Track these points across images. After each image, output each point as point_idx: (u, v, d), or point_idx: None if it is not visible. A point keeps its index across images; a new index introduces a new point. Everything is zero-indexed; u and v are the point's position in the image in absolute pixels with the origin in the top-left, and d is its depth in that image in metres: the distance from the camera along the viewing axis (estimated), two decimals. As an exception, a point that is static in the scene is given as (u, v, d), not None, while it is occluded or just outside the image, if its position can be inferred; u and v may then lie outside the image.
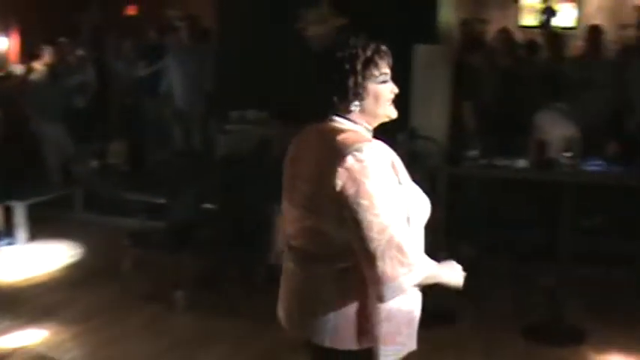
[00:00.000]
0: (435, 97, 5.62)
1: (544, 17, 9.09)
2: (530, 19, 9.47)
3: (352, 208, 2.30)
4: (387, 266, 2.29)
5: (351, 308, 2.42)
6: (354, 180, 2.30)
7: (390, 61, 2.48)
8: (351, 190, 2.30)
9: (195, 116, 8.31)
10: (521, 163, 5.40)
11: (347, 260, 2.38)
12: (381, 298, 2.33)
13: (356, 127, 2.46)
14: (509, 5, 9.45)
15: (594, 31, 7.08)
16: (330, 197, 2.33)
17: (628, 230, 5.96)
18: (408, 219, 2.40)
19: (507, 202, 6.27)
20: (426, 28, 6.95)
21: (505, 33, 7.53)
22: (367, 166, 2.30)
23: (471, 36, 7.70)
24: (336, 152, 2.34)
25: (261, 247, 5.52)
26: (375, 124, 2.52)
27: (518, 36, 8.09)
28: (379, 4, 7.14)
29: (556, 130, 5.68)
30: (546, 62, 7.08)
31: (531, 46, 7.44)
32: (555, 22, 9.04)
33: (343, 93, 2.43)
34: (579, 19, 9.18)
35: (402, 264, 2.30)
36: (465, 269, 2.55)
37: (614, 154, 5.50)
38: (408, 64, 5.98)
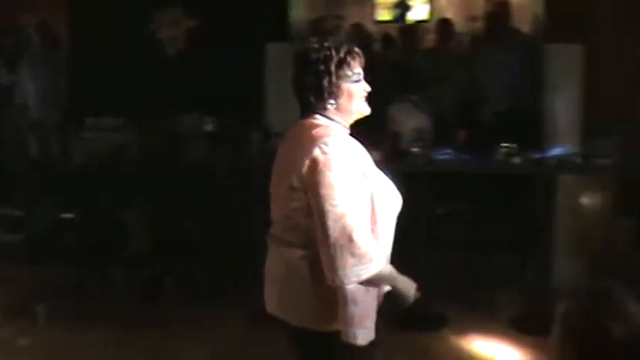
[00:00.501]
0: (290, 94, 5.79)
1: (398, 12, 9.43)
2: (385, 15, 9.79)
3: (314, 197, 2.53)
4: (337, 254, 2.49)
5: (323, 292, 2.59)
6: (318, 171, 2.52)
7: (362, 61, 2.71)
8: (314, 180, 2.53)
9: (50, 125, 8.15)
10: (375, 155, 5.61)
11: (308, 245, 2.60)
12: (332, 284, 2.53)
13: (331, 123, 2.68)
14: (364, 1, 9.73)
15: (444, 24, 7.42)
16: (299, 187, 2.57)
17: (482, 216, 6.30)
18: (374, 212, 2.60)
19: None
20: (278, 26, 7.13)
21: (358, 27, 7.75)
22: (331, 159, 2.53)
23: (324, 32, 7.91)
24: (305, 145, 2.58)
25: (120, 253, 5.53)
26: (351, 120, 2.75)
27: (374, 31, 8.36)
28: (232, 5, 7.26)
29: (409, 122, 5.96)
30: (399, 55, 7.37)
31: (385, 40, 7.71)
32: (409, 16, 9.40)
33: (319, 92, 2.65)
34: (432, 13, 9.56)
35: (352, 254, 2.50)
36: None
37: (463, 142, 5.81)
38: (261, 63, 6.21)
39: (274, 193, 2.76)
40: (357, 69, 2.70)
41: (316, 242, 2.56)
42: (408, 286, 2.76)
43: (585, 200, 6.12)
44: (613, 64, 6.50)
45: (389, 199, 2.72)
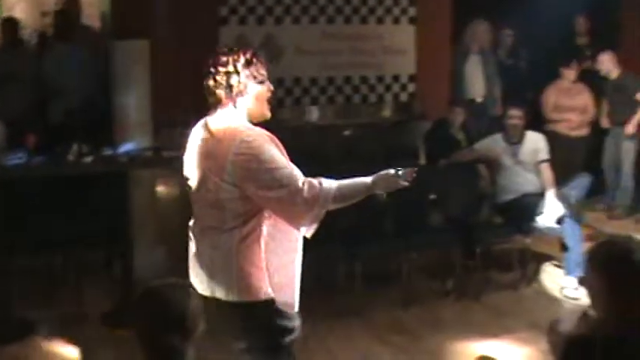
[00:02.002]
0: None
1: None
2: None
3: (258, 178, 2.99)
4: (304, 195, 3.00)
5: (252, 265, 3.06)
6: (251, 159, 2.99)
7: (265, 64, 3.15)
8: (252, 166, 2.98)
9: None
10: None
11: (241, 227, 3.05)
12: (313, 223, 3.14)
13: (239, 120, 3.09)
14: None
15: (9, 23, 7.42)
16: (227, 179, 3.00)
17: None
18: None
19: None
20: None
21: None
22: (257, 145, 3.00)
23: None
24: (228, 142, 3.01)
25: None
26: (256, 119, 3.16)
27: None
28: None
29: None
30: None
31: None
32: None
33: (228, 91, 3.06)
34: (1, 9, 9.34)
35: (313, 186, 3.02)
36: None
37: (34, 144, 5.90)
38: None
39: (193, 188, 3.18)
40: (262, 70, 3.14)
41: (240, 222, 3.04)
42: (389, 183, 3.22)
43: (161, 191, 6.63)
44: (176, 56, 7.10)
45: None
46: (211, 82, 3.11)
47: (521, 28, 9.00)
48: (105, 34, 7.23)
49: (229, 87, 3.09)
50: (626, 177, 8.24)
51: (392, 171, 3.22)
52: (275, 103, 7.47)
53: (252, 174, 3.01)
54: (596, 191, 8.17)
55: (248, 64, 3.11)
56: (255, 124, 3.16)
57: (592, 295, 2.78)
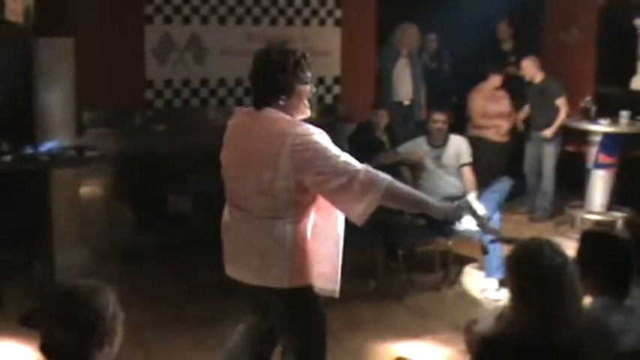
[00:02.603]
0: None
1: None
2: None
3: (317, 167, 3.19)
4: (361, 178, 3.20)
5: (303, 252, 3.32)
6: (308, 148, 3.19)
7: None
8: (310, 155, 3.18)
9: None
10: None
11: (295, 216, 3.28)
12: (363, 214, 3.27)
13: (286, 116, 3.27)
14: None
15: None
16: (283, 169, 3.19)
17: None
18: None
19: None
20: None
21: None
22: (313, 137, 3.20)
23: None
24: (281, 136, 3.21)
25: None
26: (297, 116, 3.33)
27: None
28: None
29: None
30: None
31: None
32: None
33: (274, 89, 3.26)
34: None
35: (369, 172, 3.25)
36: None
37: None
38: None
39: (237, 173, 3.38)
40: (308, 72, 3.34)
41: (287, 212, 3.27)
42: (443, 211, 3.57)
43: (84, 190, 6.62)
44: (101, 55, 7.09)
45: None
46: (259, 80, 3.36)
47: (445, 33, 9.23)
48: (28, 31, 7.15)
49: (277, 85, 3.31)
50: (546, 181, 8.53)
51: (455, 204, 3.71)
52: (199, 103, 7.61)
53: (310, 163, 3.23)
54: (518, 195, 8.46)
55: (296, 64, 3.32)
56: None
57: (508, 296, 2.94)
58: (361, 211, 3.29)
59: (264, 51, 3.38)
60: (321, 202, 3.39)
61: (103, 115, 7.14)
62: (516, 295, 2.88)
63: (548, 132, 8.38)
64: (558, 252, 2.83)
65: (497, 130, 8.57)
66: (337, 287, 3.52)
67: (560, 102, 8.34)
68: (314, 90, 3.49)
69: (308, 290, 3.44)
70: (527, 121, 8.70)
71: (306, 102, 3.42)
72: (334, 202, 3.33)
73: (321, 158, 3.23)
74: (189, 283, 6.15)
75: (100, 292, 2.45)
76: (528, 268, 2.84)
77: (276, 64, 3.30)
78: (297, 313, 3.51)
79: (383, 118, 7.32)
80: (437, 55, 9.23)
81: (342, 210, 3.37)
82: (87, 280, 2.56)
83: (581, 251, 3.25)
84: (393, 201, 3.39)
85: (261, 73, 3.35)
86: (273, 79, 3.31)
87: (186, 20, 7.69)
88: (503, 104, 8.60)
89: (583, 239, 3.33)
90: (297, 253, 3.36)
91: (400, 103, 8.75)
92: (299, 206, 3.33)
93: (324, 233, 3.45)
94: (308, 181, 3.25)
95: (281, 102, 3.33)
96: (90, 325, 2.38)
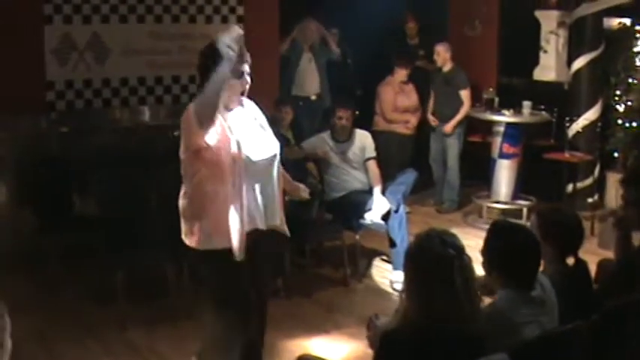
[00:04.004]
0: None
1: None
2: None
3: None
4: None
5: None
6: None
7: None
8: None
9: None
10: None
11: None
12: None
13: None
14: None
15: None
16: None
17: None
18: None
19: None
20: None
21: None
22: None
23: None
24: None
25: None
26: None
27: None
28: None
29: None
30: None
31: None
32: None
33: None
34: None
35: None
36: None
37: None
38: None
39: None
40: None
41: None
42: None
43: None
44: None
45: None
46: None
47: (347, 27, 9.40)
48: None
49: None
50: (451, 172, 8.77)
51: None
52: (101, 103, 7.58)
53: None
54: (426, 187, 8.71)
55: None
56: None
57: (403, 289, 3.07)
58: None
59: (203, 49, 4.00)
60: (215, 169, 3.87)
61: (2, 118, 7.06)
62: (408, 288, 3.01)
63: (448, 127, 8.65)
64: (450, 243, 2.92)
65: (406, 124, 8.78)
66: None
67: (464, 94, 8.59)
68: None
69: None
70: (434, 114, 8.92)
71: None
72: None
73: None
74: (95, 287, 6.14)
75: None
76: (417, 259, 2.97)
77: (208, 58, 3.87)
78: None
79: (287, 115, 7.41)
80: (340, 49, 9.36)
81: None
82: None
83: (488, 244, 3.34)
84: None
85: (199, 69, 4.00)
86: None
87: (87, 20, 7.63)
88: (412, 98, 8.82)
89: (490, 232, 3.39)
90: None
91: (307, 98, 8.88)
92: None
93: (220, 199, 3.88)
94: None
95: None
96: None
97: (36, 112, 7.46)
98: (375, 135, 7.36)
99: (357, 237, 6.72)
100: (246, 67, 3.97)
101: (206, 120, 3.73)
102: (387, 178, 6.90)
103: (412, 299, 2.99)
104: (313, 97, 8.94)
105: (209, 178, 3.89)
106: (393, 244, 6.52)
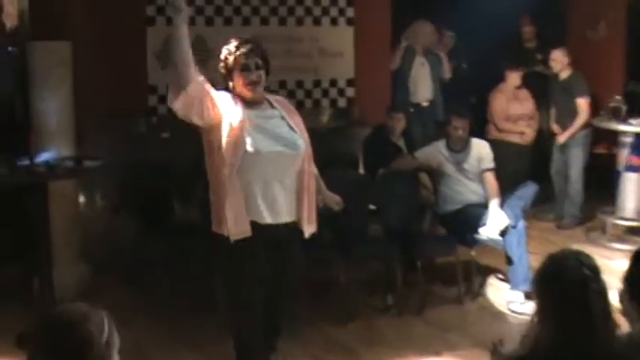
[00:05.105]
0: None
1: None
2: None
3: None
4: None
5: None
6: None
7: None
8: None
9: None
10: None
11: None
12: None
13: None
14: None
15: None
16: None
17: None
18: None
19: None
20: None
21: None
22: None
23: None
24: None
25: None
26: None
27: None
28: None
29: None
30: None
31: None
32: None
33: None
34: None
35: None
36: None
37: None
38: None
39: None
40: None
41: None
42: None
43: (82, 203, 6.59)
44: (101, 58, 7.07)
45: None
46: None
47: (462, 30, 9.17)
48: (23, 34, 7.13)
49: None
50: (574, 185, 8.44)
51: None
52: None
53: None
54: (545, 201, 8.39)
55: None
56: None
57: (533, 312, 2.88)
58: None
59: None
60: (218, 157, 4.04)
61: (102, 123, 7.10)
62: (540, 312, 2.82)
63: (561, 138, 8.35)
64: (586, 264, 2.77)
65: (521, 135, 8.50)
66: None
67: (581, 103, 8.26)
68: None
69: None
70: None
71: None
72: None
73: None
74: (195, 295, 6.14)
75: (91, 317, 2.36)
76: (551, 281, 2.79)
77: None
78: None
79: (399, 122, 7.24)
80: (454, 53, 9.16)
81: None
82: (77, 303, 2.46)
83: (631, 271, 3.10)
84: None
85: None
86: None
87: (190, 21, 7.58)
88: (527, 105, 8.54)
89: (634, 258, 3.14)
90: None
91: (418, 105, 8.70)
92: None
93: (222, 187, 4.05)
94: None
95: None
96: (77, 353, 2.30)
97: (137, 116, 7.50)
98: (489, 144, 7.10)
99: (472, 253, 6.50)
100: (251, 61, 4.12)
101: (183, 80, 3.88)
102: (502, 191, 6.66)
103: (544, 324, 2.82)
104: (425, 104, 8.76)
105: (214, 164, 4.10)
106: (510, 261, 6.31)
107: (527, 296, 5.85)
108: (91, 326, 2.34)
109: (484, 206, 6.51)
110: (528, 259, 6.14)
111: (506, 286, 6.47)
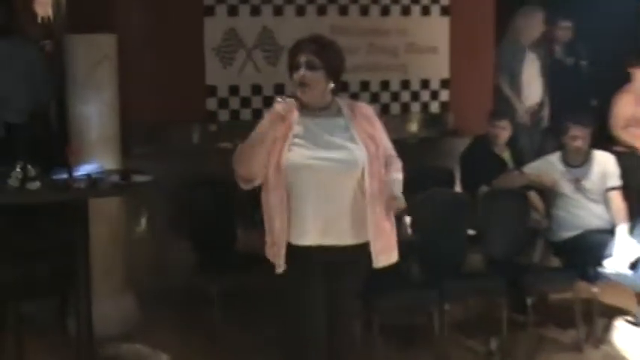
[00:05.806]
0: None
1: None
2: None
3: None
4: None
5: None
6: None
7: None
8: None
9: None
10: None
11: None
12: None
13: None
14: None
15: None
16: None
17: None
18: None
19: None
20: None
21: None
22: None
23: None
24: None
25: None
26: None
27: None
28: None
29: None
30: None
31: None
32: None
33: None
34: None
35: None
36: None
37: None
38: None
39: None
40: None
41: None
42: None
43: (130, 225, 6.57)
44: (151, 54, 7.07)
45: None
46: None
47: (580, 21, 9.00)
48: (59, 26, 7.18)
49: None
50: None
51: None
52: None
53: None
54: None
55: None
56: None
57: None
58: None
59: None
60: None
61: (152, 131, 7.08)
62: None
63: None
64: None
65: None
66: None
67: None
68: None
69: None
70: None
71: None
72: None
73: None
74: (259, 335, 6.19)
75: None
76: None
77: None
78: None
79: (504, 131, 7.11)
80: (572, 48, 8.98)
81: None
82: (133, 345, 2.43)
83: None
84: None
85: None
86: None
87: (256, 11, 7.66)
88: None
89: None
90: None
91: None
92: None
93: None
94: None
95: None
96: None
97: (193, 122, 7.48)
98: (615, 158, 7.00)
99: (595, 290, 6.37)
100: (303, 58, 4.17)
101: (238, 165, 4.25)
102: (632, 214, 6.56)
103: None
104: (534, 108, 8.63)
105: (264, 184, 4.24)
106: (643, 300, 6.19)
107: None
108: None
109: (609, 232, 6.43)
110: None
111: (636, 330, 6.41)
